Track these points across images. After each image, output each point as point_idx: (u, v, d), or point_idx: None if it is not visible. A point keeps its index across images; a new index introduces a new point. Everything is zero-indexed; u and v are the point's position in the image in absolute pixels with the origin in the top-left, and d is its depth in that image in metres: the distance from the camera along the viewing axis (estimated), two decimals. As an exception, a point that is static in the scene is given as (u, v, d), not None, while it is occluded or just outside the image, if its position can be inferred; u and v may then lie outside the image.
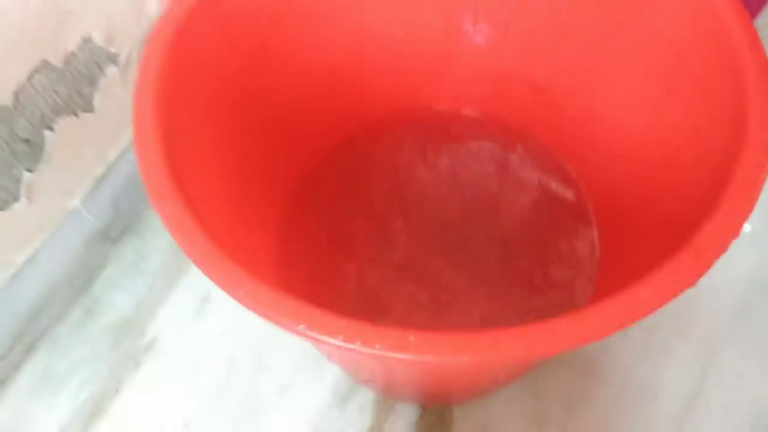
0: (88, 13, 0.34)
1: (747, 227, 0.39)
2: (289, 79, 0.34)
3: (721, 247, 0.20)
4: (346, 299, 0.36)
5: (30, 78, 0.32)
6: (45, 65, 0.33)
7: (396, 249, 0.37)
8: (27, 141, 0.33)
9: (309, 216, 0.38)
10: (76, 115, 0.36)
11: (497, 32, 0.37)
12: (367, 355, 0.18)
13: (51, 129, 0.35)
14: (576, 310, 0.19)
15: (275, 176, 0.36)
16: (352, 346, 0.18)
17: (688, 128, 0.29)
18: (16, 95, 0.32)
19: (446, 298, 0.35)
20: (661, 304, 0.19)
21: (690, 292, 0.19)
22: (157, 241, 0.43)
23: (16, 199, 0.34)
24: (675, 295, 0.19)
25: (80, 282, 0.41)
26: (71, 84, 0.35)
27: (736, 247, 0.21)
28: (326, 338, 0.18)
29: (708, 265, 0.20)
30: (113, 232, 0.42)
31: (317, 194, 0.39)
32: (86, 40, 0.35)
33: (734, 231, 0.21)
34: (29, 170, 0.34)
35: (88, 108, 0.37)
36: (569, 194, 0.39)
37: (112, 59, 0.37)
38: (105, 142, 0.39)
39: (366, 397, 0.37)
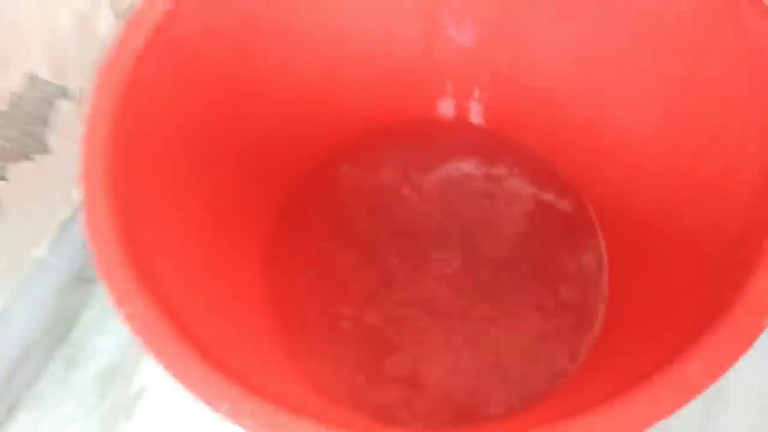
0: (30, 47, 0.31)
1: None
2: (258, 107, 0.31)
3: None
4: (349, 342, 0.33)
5: (-29, 129, 0.29)
6: (-13, 112, 0.29)
7: (394, 283, 0.35)
8: (-24, 197, 0.30)
9: (294, 257, 0.36)
10: (30, 159, 0.33)
11: (484, 30, 0.33)
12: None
13: (3, 179, 0.32)
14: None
15: (252, 219, 0.33)
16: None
17: (706, 132, 0.27)
18: (-42, 150, 0.29)
19: (453, 327, 0.33)
20: (715, 378, 0.16)
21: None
22: (137, 277, 0.40)
23: (-27, 259, 0.31)
24: (731, 364, 0.17)
25: (60, 330, 0.38)
26: (20, 126, 0.32)
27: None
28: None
29: None
30: (88, 274, 0.39)
31: (299, 229, 0.36)
32: (32, 77, 0.31)
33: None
34: (-17, 228, 0.31)
35: (43, 149, 0.33)
36: (568, 205, 0.36)
37: (64, 93, 0.33)
38: (67, 183, 0.36)
39: None
